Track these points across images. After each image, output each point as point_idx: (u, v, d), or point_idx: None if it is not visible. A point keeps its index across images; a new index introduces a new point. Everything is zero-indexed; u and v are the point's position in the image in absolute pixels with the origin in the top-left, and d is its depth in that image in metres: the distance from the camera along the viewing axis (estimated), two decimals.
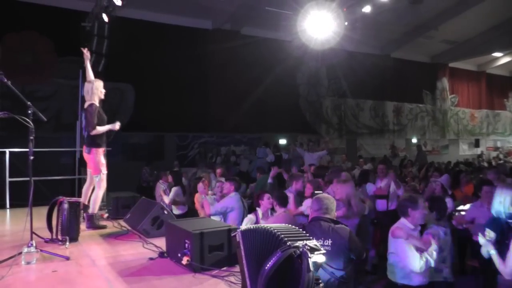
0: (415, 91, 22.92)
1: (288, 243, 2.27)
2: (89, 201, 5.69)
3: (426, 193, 7.02)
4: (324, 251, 2.31)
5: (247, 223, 5.60)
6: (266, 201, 5.72)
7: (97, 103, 5.59)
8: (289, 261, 2.24)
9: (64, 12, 12.48)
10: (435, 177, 8.38)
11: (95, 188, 5.69)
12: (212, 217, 6.09)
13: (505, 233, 3.86)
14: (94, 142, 5.55)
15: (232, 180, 6.86)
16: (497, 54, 24.00)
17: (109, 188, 8.11)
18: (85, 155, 5.66)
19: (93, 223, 5.51)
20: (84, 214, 5.53)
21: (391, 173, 7.64)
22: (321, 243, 3.55)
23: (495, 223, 4.01)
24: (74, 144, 9.38)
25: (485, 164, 17.83)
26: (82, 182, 6.40)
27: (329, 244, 3.62)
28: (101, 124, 5.58)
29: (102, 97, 5.72)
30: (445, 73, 24.24)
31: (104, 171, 5.68)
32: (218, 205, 6.47)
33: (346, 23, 13.79)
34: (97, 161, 5.60)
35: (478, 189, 6.09)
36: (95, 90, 5.59)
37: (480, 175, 8.95)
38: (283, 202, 5.41)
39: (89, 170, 5.81)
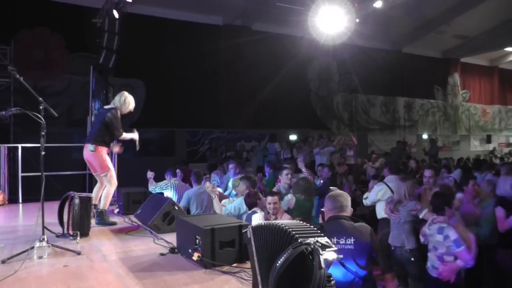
0: (426, 86, 22.70)
1: (299, 240, 2.26)
2: (99, 200, 5.63)
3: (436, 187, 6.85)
4: (336, 248, 2.29)
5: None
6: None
7: (119, 113, 5.55)
8: (301, 258, 2.23)
9: (76, 9, 12.51)
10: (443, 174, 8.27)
11: (106, 185, 5.63)
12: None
13: None
14: (102, 140, 5.44)
15: (246, 178, 6.32)
16: (510, 49, 23.67)
17: (120, 184, 8.18)
18: (88, 154, 5.46)
19: (103, 219, 5.49)
20: (94, 210, 5.47)
21: None
22: (343, 241, 3.46)
23: None
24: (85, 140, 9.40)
25: (497, 161, 17.63)
26: (93, 177, 6.39)
27: (352, 242, 3.48)
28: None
29: (126, 112, 5.68)
30: (457, 68, 23.95)
31: (111, 167, 5.61)
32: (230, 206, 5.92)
33: (357, 20, 13.70)
34: (103, 159, 5.48)
35: None
36: (126, 103, 5.60)
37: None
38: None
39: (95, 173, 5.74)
